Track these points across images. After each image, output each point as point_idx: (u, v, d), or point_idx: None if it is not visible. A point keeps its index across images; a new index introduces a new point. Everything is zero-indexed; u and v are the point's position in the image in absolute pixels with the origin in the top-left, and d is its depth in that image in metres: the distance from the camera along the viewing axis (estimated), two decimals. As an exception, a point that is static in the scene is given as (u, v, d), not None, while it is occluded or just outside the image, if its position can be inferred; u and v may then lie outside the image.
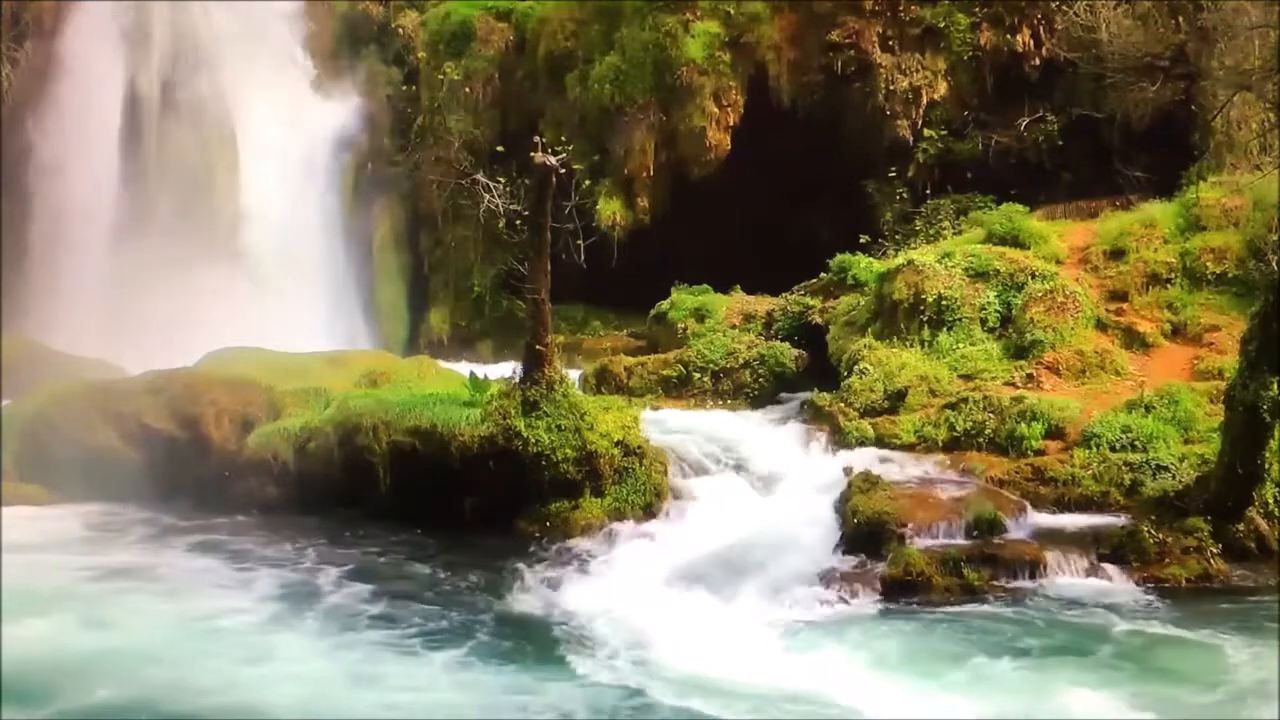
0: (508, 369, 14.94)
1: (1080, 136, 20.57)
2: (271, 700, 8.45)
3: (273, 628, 10.01)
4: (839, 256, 18.82)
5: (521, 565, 11.48)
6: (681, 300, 20.05)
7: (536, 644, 9.67)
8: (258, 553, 12.29)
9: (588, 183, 20.17)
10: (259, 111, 24.31)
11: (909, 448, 13.91)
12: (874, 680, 8.72)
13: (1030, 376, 15.00)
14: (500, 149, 19.55)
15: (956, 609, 10.23)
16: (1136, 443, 12.99)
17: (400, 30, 26.19)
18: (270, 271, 23.20)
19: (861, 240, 19.98)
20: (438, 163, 24.00)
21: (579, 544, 12.18)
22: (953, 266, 16.51)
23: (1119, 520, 11.86)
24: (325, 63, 26.04)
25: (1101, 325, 15.88)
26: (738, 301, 19.90)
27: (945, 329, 16.02)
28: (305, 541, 12.63)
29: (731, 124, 21.89)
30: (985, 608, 10.26)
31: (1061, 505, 12.53)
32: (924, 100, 21.41)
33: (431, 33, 24.99)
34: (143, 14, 24.53)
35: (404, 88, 25.74)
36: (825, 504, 12.46)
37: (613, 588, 10.89)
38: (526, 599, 10.77)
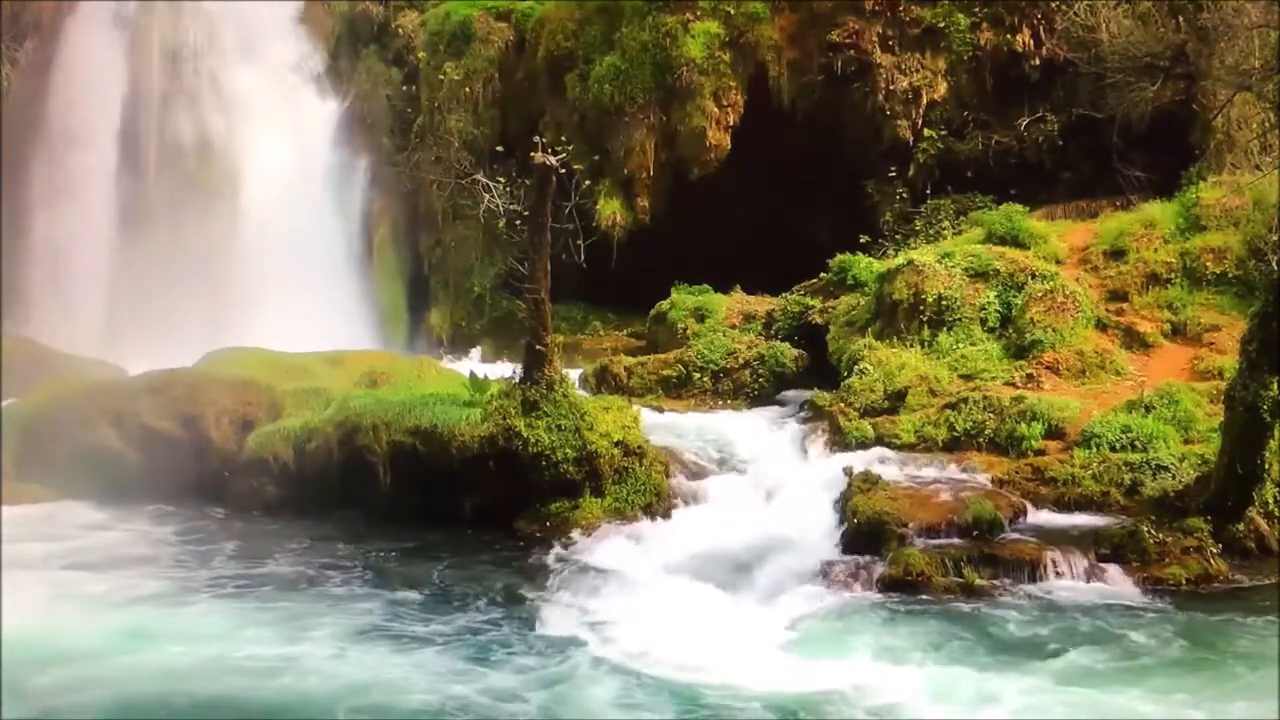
0: (508, 369, 14.97)
1: (1080, 136, 20.56)
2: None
3: (528, 663, 9.26)
4: (839, 256, 18.80)
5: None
6: (681, 300, 20.03)
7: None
8: (354, 562, 11.85)
9: (588, 183, 20.12)
10: (258, 111, 24.35)
11: (909, 448, 13.88)
12: (873, 680, 8.70)
13: (1030, 376, 14.99)
14: (500, 149, 19.59)
15: (956, 609, 10.22)
16: (1136, 443, 12.99)
17: (400, 30, 26.20)
18: (270, 271, 23.21)
19: (861, 240, 19.96)
20: (438, 163, 23.99)
21: (578, 544, 12.17)
22: (953, 266, 16.50)
23: (1119, 520, 11.84)
24: (325, 63, 26.09)
25: (1101, 325, 15.88)
26: (738, 301, 19.88)
27: (945, 329, 16.02)
28: (381, 547, 12.33)
29: (731, 124, 21.86)
30: (985, 607, 10.25)
31: (1061, 505, 12.51)
32: (924, 100, 21.39)
33: (431, 33, 24.99)
34: (143, 14, 24.57)
35: (404, 88, 25.73)
36: (825, 504, 12.47)
37: (612, 588, 10.88)
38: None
